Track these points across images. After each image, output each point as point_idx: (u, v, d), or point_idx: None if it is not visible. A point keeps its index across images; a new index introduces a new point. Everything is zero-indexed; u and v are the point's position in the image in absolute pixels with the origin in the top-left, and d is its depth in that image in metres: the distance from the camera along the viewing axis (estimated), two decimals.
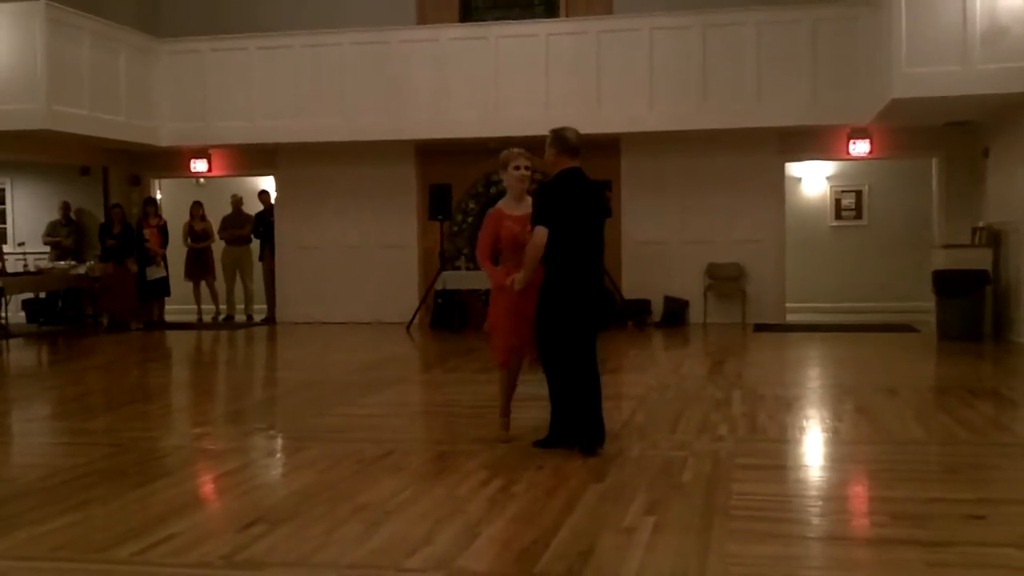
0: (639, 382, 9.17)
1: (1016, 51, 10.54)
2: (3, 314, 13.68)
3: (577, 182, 6.10)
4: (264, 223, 15.84)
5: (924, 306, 13.47)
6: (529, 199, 6.27)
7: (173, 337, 14.27)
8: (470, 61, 13.98)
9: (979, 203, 13.34)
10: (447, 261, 14.40)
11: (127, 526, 4.68)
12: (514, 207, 6.32)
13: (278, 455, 6.55)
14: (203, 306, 16.08)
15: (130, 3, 15.51)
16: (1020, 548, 4.22)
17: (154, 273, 15.19)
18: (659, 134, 13.67)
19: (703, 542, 4.31)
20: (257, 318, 15.97)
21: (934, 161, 14.31)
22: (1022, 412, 7.68)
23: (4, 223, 17.22)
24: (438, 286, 14.09)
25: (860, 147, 14.17)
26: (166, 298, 15.62)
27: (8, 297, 13.87)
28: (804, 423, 7.14)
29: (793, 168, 15.60)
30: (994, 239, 12.44)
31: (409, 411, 8.42)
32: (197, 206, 15.97)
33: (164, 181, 16.89)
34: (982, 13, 10.63)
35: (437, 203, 14.12)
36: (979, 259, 12.25)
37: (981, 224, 12.82)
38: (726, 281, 14.44)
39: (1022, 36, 10.54)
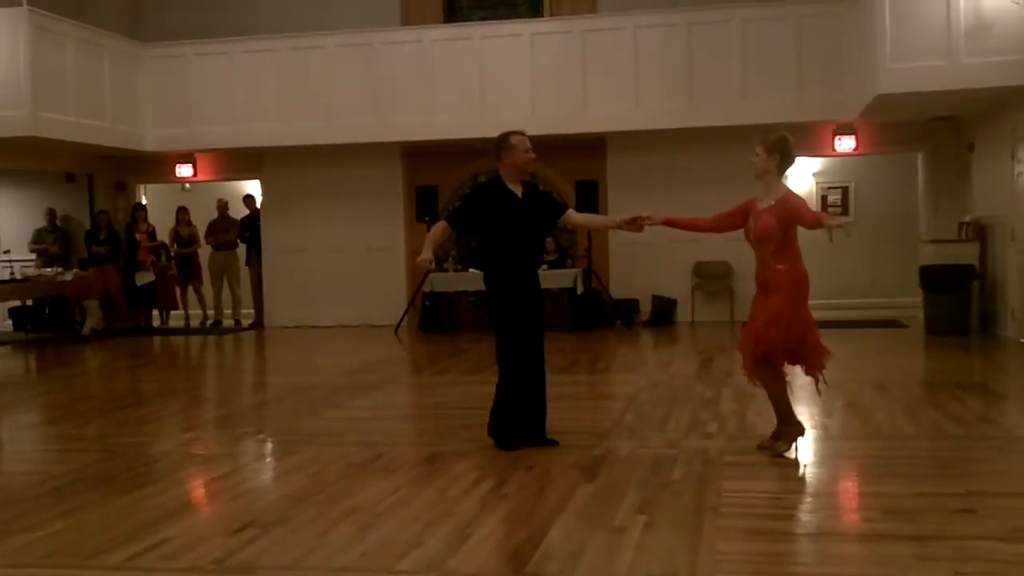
0: (628, 381, 9.19)
1: (1000, 45, 10.58)
2: None
3: None
4: (250, 227, 15.78)
5: (912, 301, 13.50)
6: None
7: (161, 342, 14.24)
8: (455, 62, 13.95)
9: (965, 198, 13.39)
10: (435, 263, 14.36)
11: (118, 532, 4.67)
12: None
13: (268, 459, 6.55)
14: (190, 311, 16.06)
15: (113, 8, 15.44)
16: (1010, 541, 4.24)
17: (143, 278, 15.15)
18: (645, 133, 13.67)
19: (693, 540, 4.32)
20: (245, 323, 15.92)
21: (920, 156, 14.35)
22: (1010, 406, 7.72)
23: None
24: (426, 288, 14.08)
25: (846, 143, 14.18)
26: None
27: None
28: None
29: None
30: (980, 233, 12.49)
31: (399, 413, 8.42)
32: (183, 211, 15.93)
33: (149, 187, 16.82)
34: (966, 8, 10.63)
35: (424, 205, 14.11)
36: (966, 254, 12.30)
37: (967, 219, 12.86)
38: (713, 279, 14.45)
39: (1006, 31, 10.58)
